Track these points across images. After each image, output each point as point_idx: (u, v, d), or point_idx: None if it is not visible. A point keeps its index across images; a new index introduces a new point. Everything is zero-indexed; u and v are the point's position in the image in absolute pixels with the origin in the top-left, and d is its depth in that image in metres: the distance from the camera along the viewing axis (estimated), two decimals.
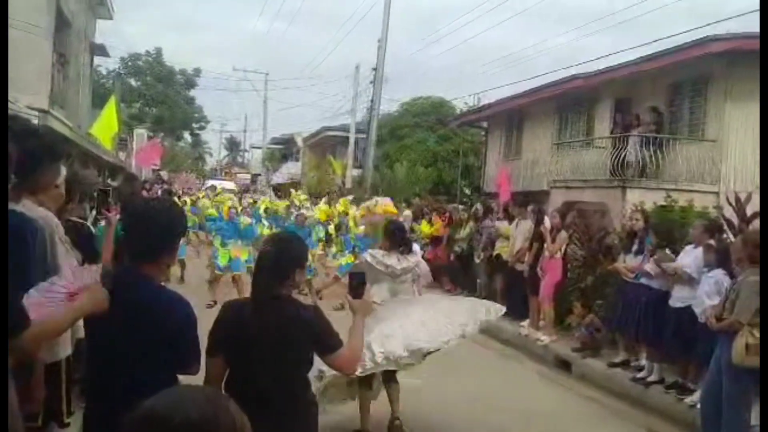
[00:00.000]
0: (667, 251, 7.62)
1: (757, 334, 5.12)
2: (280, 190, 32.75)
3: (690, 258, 7.11)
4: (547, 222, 9.87)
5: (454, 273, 13.92)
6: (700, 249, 6.94)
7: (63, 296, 2.32)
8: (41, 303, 2.25)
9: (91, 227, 4.26)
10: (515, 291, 10.94)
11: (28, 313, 2.08)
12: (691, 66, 13.22)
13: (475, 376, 6.44)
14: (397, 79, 55.99)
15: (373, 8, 60.28)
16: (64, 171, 3.66)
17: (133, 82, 52.75)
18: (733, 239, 7.14)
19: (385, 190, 22.68)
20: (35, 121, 9.94)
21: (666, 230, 8.39)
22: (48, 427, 2.91)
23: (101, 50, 24.45)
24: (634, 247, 8.11)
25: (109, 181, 13.69)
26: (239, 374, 2.81)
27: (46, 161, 2.80)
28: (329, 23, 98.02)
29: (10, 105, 10.77)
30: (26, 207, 2.64)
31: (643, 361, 7.75)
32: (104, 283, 2.44)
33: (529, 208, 10.96)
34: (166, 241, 2.59)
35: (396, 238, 5.91)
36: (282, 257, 2.88)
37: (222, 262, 11.24)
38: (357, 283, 3.32)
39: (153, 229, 2.53)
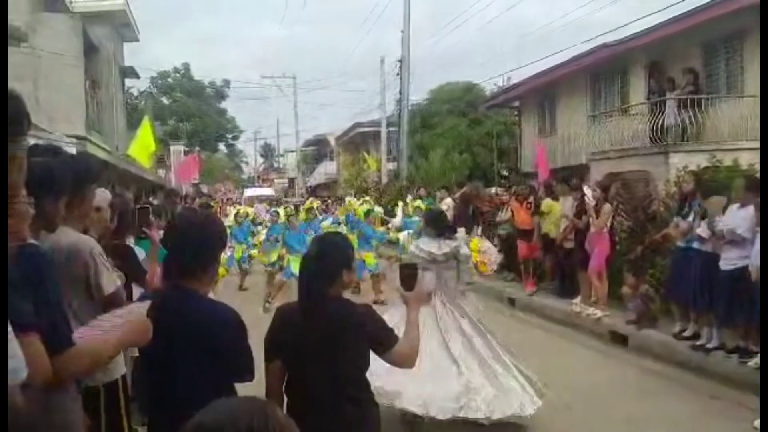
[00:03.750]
0: (717, 197, 7.41)
1: None
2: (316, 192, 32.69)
3: (738, 218, 6.89)
4: (588, 196, 9.70)
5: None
6: (751, 208, 6.71)
7: (110, 327, 2.33)
8: (91, 334, 2.27)
9: (134, 247, 4.32)
10: (564, 269, 10.82)
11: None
12: (723, 21, 12.84)
13: (533, 357, 6.40)
14: (423, 68, 55.65)
15: (392, 0, 60.19)
16: (108, 195, 3.71)
17: (165, 99, 53.54)
18: None
19: (421, 180, 22.59)
20: (73, 149, 10.14)
21: (713, 192, 8.17)
22: None
23: (131, 72, 24.94)
24: (685, 211, 7.91)
25: (150, 199, 13.90)
26: (296, 378, 2.80)
27: (84, 184, 2.83)
28: (350, 21, 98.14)
29: (48, 135, 11.04)
30: (64, 233, 2.69)
31: (704, 329, 7.57)
32: (152, 303, 2.45)
33: (570, 183, 10.80)
34: (207, 254, 2.60)
35: (436, 224, 5.94)
36: (327, 258, 2.84)
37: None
38: (408, 273, 3.12)
39: (193, 243, 2.55)
